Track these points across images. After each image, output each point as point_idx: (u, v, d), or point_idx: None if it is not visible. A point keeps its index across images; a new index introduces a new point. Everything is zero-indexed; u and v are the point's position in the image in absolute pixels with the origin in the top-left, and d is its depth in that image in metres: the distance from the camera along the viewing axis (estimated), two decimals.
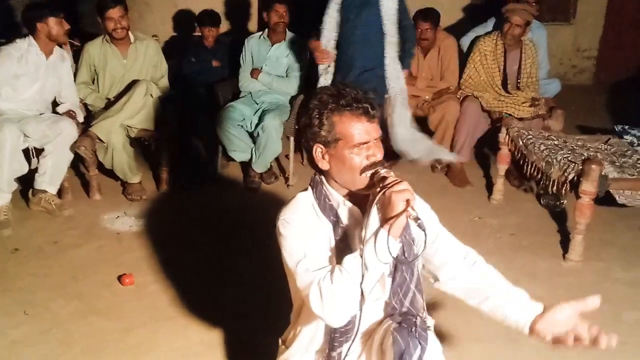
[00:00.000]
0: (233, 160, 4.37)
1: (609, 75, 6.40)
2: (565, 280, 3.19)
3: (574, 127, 4.79)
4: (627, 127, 3.95)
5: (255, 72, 4.37)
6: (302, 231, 1.62)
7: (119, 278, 3.00)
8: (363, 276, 1.47)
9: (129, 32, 4.05)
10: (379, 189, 1.51)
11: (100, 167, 3.95)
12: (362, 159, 1.59)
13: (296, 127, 4.29)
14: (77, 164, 4.09)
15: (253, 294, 2.92)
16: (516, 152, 3.85)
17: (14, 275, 3.05)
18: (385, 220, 1.48)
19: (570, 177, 3.34)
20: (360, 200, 1.66)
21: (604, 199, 3.35)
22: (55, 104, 3.93)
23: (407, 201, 1.46)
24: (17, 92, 3.70)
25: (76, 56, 4.17)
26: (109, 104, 4.00)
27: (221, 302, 2.86)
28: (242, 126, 4.21)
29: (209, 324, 2.67)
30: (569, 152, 3.57)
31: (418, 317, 1.65)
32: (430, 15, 4.45)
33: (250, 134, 4.21)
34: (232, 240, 3.46)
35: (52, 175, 3.67)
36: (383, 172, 1.55)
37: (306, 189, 1.73)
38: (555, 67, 5.69)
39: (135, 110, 3.89)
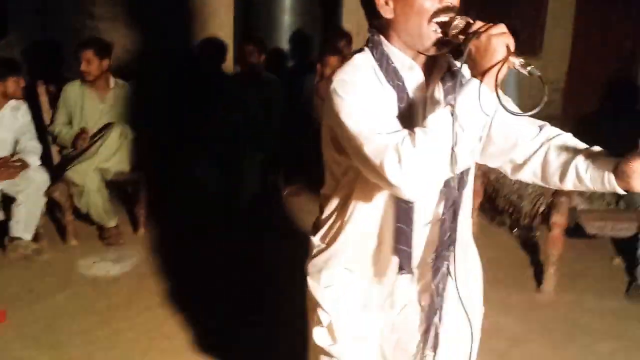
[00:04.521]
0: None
1: (576, 107, 6.56)
2: (540, 313, 3.24)
3: None
4: None
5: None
6: (365, 91, 1.35)
7: None
8: (457, 137, 1.20)
9: (111, 78, 4.09)
10: (465, 38, 1.25)
11: (76, 211, 3.94)
12: (434, 2, 1.31)
13: None
14: (53, 210, 4.07)
15: (238, 334, 2.90)
16: (488, 186, 3.93)
17: None
18: (481, 71, 1.21)
19: (541, 209, 3.43)
20: (423, 66, 1.42)
21: (575, 230, 3.44)
22: None
23: (508, 47, 1.20)
24: None
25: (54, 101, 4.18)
26: (83, 147, 3.99)
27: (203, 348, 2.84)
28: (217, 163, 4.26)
29: None
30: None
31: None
32: None
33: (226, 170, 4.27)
34: (211, 286, 3.45)
35: (26, 222, 3.66)
36: (460, 19, 1.28)
37: (362, 50, 1.44)
38: (525, 99, 5.82)
39: (110, 153, 3.90)
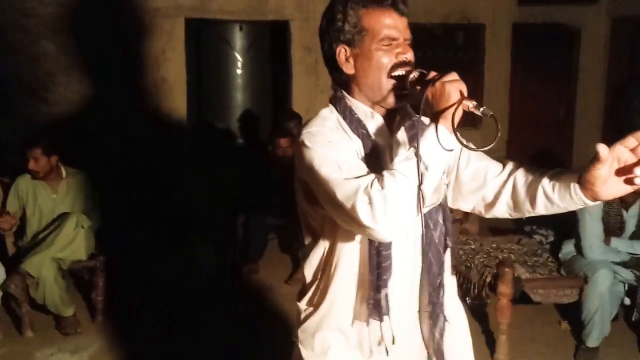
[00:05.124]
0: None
1: None
2: None
3: (487, 229, 5.12)
4: (535, 227, 4.29)
5: None
6: (333, 141, 1.42)
7: None
8: (422, 176, 1.29)
9: (62, 168, 4.13)
10: (421, 87, 1.37)
11: (32, 301, 3.89)
12: (391, 58, 1.45)
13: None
14: (8, 301, 4.02)
15: None
16: None
17: None
18: (438, 114, 1.31)
19: (487, 280, 3.60)
20: (384, 115, 1.52)
21: (522, 298, 3.61)
22: None
23: (461, 92, 1.30)
24: None
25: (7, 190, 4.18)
26: (39, 239, 4.00)
27: None
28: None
29: None
30: (485, 255, 3.85)
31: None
32: None
33: None
34: None
35: None
36: (415, 71, 1.42)
37: (327, 106, 1.55)
38: None
39: (66, 244, 3.91)
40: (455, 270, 3.87)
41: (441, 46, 6.83)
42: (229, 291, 4.49)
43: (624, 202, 3.48)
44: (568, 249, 3.69)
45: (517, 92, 7.00)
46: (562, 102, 7.31)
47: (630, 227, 3.54)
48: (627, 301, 3.58)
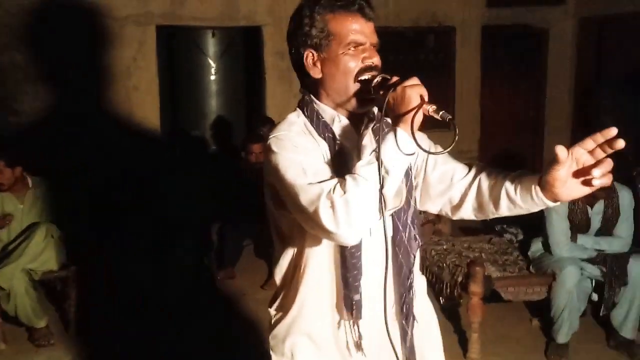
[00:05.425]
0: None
1: None
2: None
3: (459, 229, 5.18)
4: (505, 225, 4.35)
5: None
6: (299, 145, 1.43)
7: None
8: (383, 180, 1.31)
9: (28, 178, 4.10)
10: (383, 91, 1.38)
11: (4, 314, 3.84)
12: (357, 62, 1.47)
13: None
14: None
15: None
16: None
17: None
18: (398, 118, 1.33)
19: (459, 279, 3.64)
20: (352, 119, 1.54)
21: (493, 296, 3.65)
22: None
23: (422, 96, 1.31)
24: None
25: None
26: (8, 250, 3.95)
27: None
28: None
29: None
30: (457, 255, 3.89)
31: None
32: None
33: None
34: None
35: None
36: (380, 76, 1.44)
37: (294, 110, 1.57)
38: None
39: (37, 254, 3.87)
40: (427, 270, 3.95)
41: (413, 49, 6.90)
42: (205, 300, 4.47)
43: (589, 199, 3.55)
44: (536, 247, 3.75)
45: (488, 93, 7.09)
46: (532, 102, 7.42)
47: (595, 223, 3.61)
48: (595, 297, 3.65)
